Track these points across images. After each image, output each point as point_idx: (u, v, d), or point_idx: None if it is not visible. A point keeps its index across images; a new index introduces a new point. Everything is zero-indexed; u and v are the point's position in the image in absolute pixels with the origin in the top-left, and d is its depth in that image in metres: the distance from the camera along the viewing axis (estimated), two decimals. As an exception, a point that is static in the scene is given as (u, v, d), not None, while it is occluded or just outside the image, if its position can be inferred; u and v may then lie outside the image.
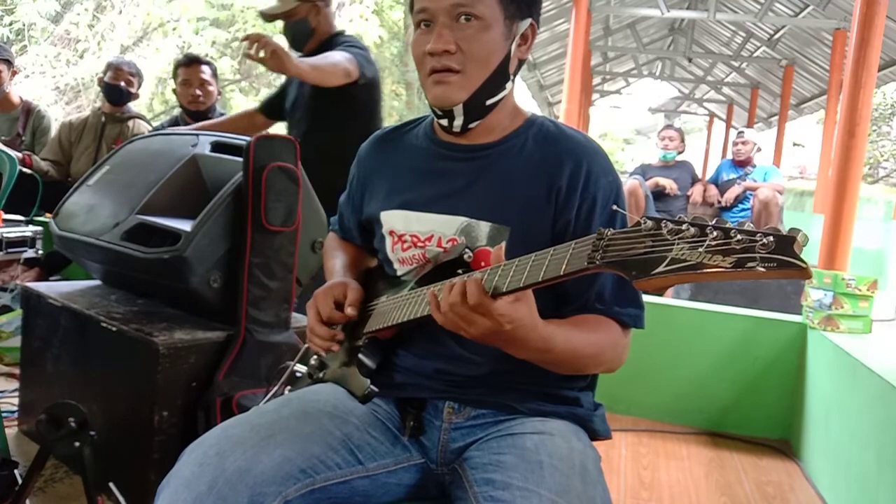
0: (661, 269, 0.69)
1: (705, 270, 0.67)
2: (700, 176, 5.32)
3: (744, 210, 4.85)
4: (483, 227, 1.04)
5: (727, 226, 0.68)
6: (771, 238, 0.65)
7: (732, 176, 5.03)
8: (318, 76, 2.20)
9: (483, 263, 1.01)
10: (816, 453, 2.48)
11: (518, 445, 0.98)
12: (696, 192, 4.97)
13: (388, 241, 1.13)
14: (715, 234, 0.67)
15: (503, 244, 0.91)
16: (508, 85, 1.08)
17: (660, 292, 3.61)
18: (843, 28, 7.14)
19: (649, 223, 0.72)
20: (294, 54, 2.22)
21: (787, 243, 0.64)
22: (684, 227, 0.69)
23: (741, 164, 5.02)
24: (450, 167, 1.10)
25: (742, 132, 5.26)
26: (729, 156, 5.49)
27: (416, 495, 1.07)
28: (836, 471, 2.28)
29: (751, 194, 4.78)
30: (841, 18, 7.25)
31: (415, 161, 1.14)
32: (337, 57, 2.26)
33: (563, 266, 0.80)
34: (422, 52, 1.03)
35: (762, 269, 0.64)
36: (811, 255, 4.70)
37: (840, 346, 2.36)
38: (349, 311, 1.07)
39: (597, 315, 1.03)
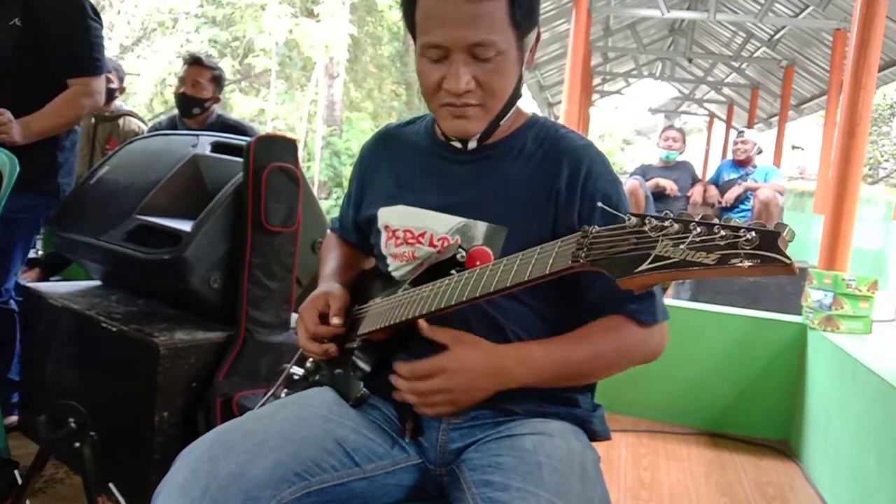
0: (644, 266, 0.68)
1: (689, 268, 0.65)
2: (700, 176, 5.32)
3: (744, 210, 4.85)
4: (480, 227, 1.05)
5: (711, 221, 0.66)
6: (754, 234, 0.63)
7: (733, 176, 5.03)
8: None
9: (479, 262, 1.01)
10: (816, 454, 2.48)
11: (517, 447, 0.98)
12: (696, 193, 4.97)
13: (383, 236, 1.13)
14: (698, 229, 0.66)
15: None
16: (519, 100, 1.07)
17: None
18: (843, 28, 7.13)
19: (633, 220, 0.70)
20: None
21: (771, 239, 0.63)
22: (667, 223, 0.68)
23: (742, 164, 5.02)
24: (449, 167, 1.10)
25: (742, 132, 5.25)
26: (729, 156, 5.49)
27: (415, 496, 1.07)
28: (836, 471, 2.28)
29: (751, 195, 4.78)
30: (841, 19, 7.23)
31: (415, 159, 1.14)
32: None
33: (549, 265, 0.80)
34: (434, 84, 1.00)
35: (746, 266, 0.63)
36: (812, 255, 4.70)
37: (840, 347, 2.36)
38: (334, 321, 1.08)
39: (607, 318, 1.03)
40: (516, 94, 1.04)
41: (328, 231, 1.37)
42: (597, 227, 0.75)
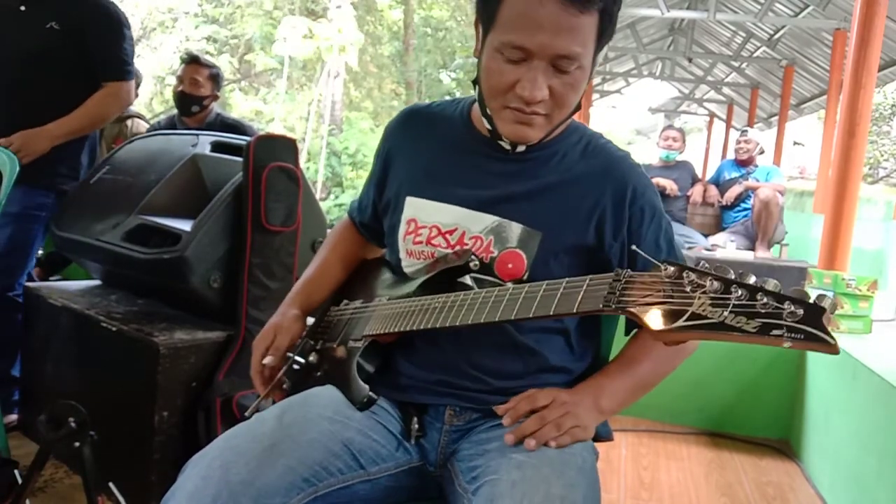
0: (680, 323, 0.66)
1: (728, 332, 0.64)
2: (700, 176, 5.32)
3: (745, 210, 4.85)
4: (514, 229, 1.02)
5: (753, 285, 0.64)
6: (801, 310, 0.61)
7: (735, 175, 5.02)
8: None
9: (510, 266, 1.01)
10: (816, 453, 2.48)
11: (504, 431, 0.98)
12: (695, 193, 4.97)
13: (402, 229, 1.09)
14: (740, 293, 0.64)
15: None
16: (578, 112, 1.04)
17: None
18: (843, 28, 7.12)
19: (670, 269, 0.69)
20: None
21: (816, 315, 0.61)
22: (708, 281, 0.66)
23: (743, 163, 5.02)
24: (487, 164, 1.06)
25: (745, 131, 5.25)
26: (730, 155, 5.48)
27: (416, 497, 1.07)
28: (836, 471, 2.28)
29: (752, 194, 4.78)
30: (841, 18, 7.23)
31: (448, 150, 1.09)
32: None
33: (577, 303, 0.79)
34: (506, 85, 0.95)
35: (788, 342, 0.61)
36: (812, 254, 4.70)
37: (840, 347, 2.36)
38: (266, 360, 1.12)
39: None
40: (577, 107, 1.01)
41: (344, 215, 1.32)
42: (629, 272, 0.74)
